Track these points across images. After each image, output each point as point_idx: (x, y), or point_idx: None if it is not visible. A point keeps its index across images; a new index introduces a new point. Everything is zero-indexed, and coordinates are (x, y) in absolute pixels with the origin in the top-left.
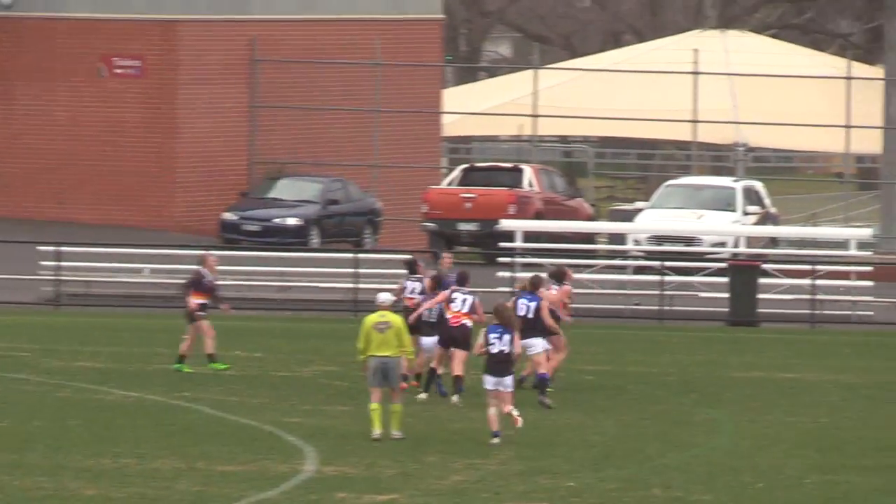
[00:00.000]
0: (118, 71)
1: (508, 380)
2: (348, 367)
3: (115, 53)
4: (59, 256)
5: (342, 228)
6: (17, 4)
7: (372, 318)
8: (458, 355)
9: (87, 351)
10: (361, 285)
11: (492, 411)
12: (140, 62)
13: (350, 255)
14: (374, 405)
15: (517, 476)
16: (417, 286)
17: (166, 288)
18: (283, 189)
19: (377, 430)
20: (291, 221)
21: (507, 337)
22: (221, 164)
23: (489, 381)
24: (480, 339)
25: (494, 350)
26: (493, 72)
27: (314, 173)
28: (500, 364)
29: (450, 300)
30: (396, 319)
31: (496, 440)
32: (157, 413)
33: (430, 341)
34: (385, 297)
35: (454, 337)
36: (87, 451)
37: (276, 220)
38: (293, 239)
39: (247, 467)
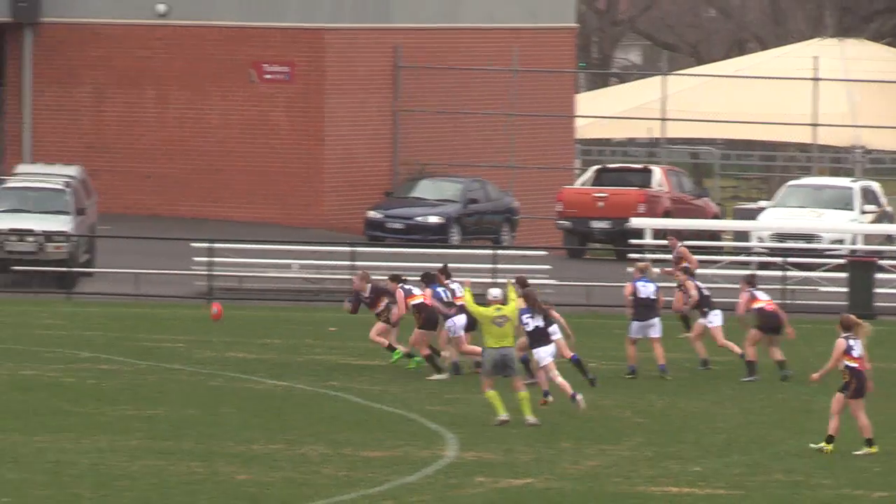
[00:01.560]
0: (268, 77)
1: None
2: None
3: (265, 60)
4: (211, 252)
5: (481, 226)
6: (171, 13)
7: (489, 312)
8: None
9: (238, 342)
10: (500, 280)
11: (559, 379)
12: (289, 68)
13: (489, 252)
14: (492, 392)
15: (647, 461)
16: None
17: (314, 283)
18: (426, 189)
19: (504, 414)
20: (433, 219)
21: (538, 316)
22: (366, 165)
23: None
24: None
25: (530, 328)
26: (623, 78)
27: (455, 174)
28: (540, 339)
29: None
30: (512, 312)
31: (579, 398)
32: (305, 401)
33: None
34: (498, 292)
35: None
36: (238, 437)
37: (419, 218)
38: (435, 236)
39: (390, 453)
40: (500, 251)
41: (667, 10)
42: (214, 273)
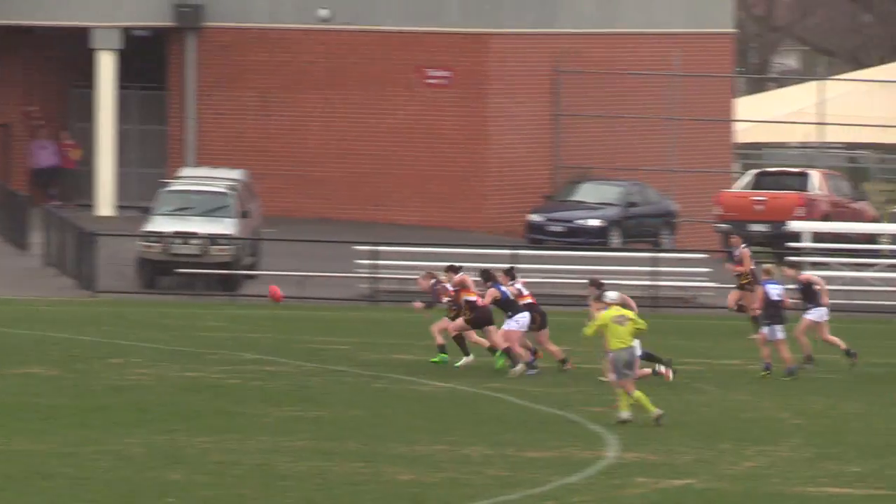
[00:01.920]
0: (430, 81)
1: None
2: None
3: (428, 64)
4: (375, 255)
5: (641, 229)
6: (334, 18)
7: (610, 314)
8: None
9: (402, 344)
10: (660, 283)
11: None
12: (451, 73)
13: (648, 255)
14: (638, 393)
15: (805, 462)
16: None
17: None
18: (586, 192)
19: (627, 413)
20: (594, 222)
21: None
22: (527, 168)
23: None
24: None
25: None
26: (781, 83)
27: (614, 177)
28: None
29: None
30: (631, 313)
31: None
32: (468, 403)
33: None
34: (615, 295)
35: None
36: (402, 438)
37: (579, 222)
38: (595, 239)
39: (552, 454)
40: (659, 254)
41: (824, 16)
42: (378, 276)
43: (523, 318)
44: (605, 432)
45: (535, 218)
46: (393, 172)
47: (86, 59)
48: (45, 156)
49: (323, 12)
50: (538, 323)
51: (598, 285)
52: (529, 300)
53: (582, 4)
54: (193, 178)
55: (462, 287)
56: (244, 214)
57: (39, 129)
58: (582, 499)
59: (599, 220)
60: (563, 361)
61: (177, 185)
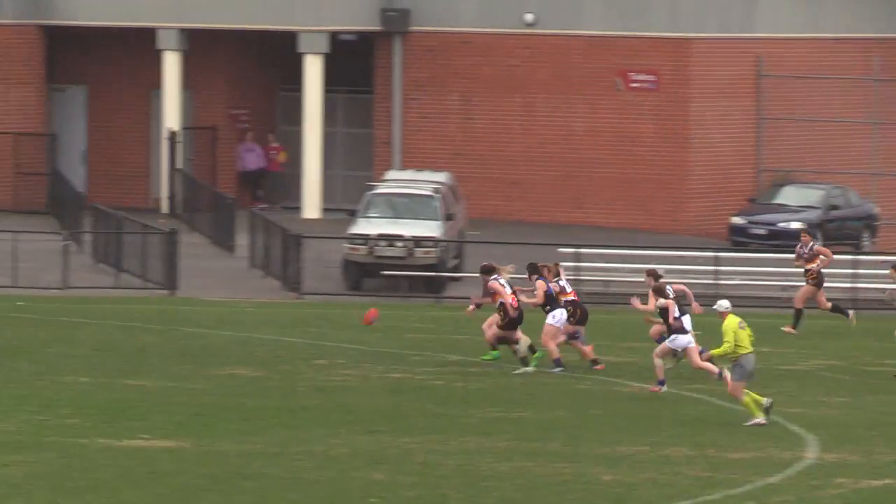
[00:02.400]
0: (634, 85)
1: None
2: (851, 361)
3: (631, 68)
4: (578, 258)
5: (842, 232)
6: (538, 22)
7: (735, 320)
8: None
9: (605, 346)
10: (860, 285)
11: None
12: (655, 77)
13: (849, 258)
14: (756, 395)
15: None
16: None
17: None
18: (788, 195)
19: (761, 417)
20: (795, 225)
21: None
22: (730, 171)
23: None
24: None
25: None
26: None
27: (816, 181)
28: (682, 328)
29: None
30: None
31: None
32: (669, 404)
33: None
34: (727, 304)
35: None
36: (604, 439)
37: (781, 224)
38: (797, 242)
39: (752, 455)
40: (860, 257)
41: None
42: (580, 278)
43: (561, 315)
44: (804, 433)
45: (737, 221)
46: (594, 175)
47: (293, 63)
48: (251, 158)
49: (528, 16)
50: (577, 318)
51: (655, 276)
52: (572, 297)
53: (784, 9)
54: (399, 180)
55: (495, 292)
56: (449, 217)
57: (246, 131)
58: (782, 499)
59: (801, 223)
60: (595, 362)
61: (382, 188)
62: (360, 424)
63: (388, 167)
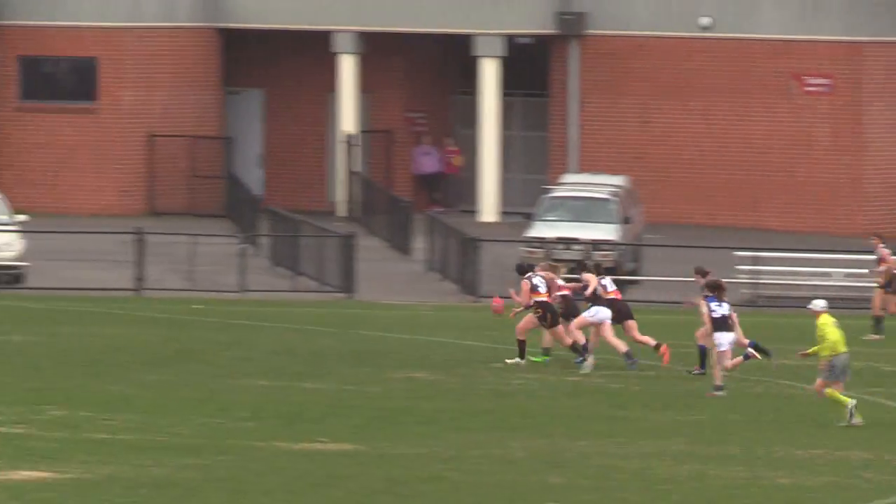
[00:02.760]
0: (809, 89)
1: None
2: None
3: (806, 72)
4: (756, 261)
5: None
6: (715, 26)
7: (829, 319)
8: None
9: (781, 349)
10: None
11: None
12: (829, 80)
13: None
14: (846, 398)
15: None
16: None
17: (855, 291)
18: None
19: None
20: None
21: (725, 304)
22: None
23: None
24: (704, 310)
25: (717, 315)
26: None
27: None
28: (723, 326)
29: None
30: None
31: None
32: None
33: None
34: (824, 303)
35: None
36: (780, 442)
37: None
38: None
39: None
40: None
41: None
42: (759, 281)
43: (598, 312)
44: None
45: None
46: (770, 179)
47: (469, 66)
48: (428, 162)
49: (704, 20)
50: (622, 315)
51: (703, 273)
52: (613, 295)
53: None
54: (575, 184)
55: (533, 290)
56: (626, 220)
57: (422, 135)
58: None
59: None
60: (628, 355)
61: (559, 192)
62: (538, 428)
63: (565, 170)
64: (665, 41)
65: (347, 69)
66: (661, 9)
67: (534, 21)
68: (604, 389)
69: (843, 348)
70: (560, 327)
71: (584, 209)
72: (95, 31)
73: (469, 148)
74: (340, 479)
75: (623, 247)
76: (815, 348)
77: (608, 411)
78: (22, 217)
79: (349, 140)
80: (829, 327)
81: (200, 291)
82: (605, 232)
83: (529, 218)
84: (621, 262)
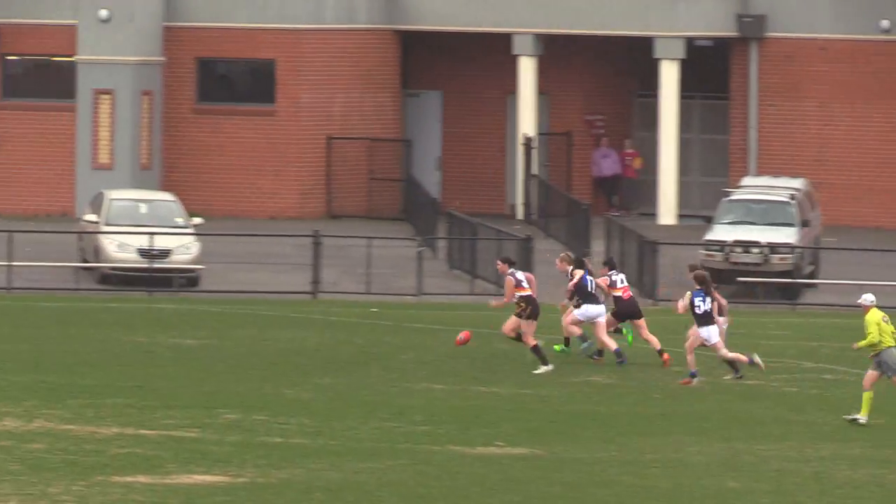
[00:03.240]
0: None
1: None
2: None
3: None
4: None
5: None
6: (894, 29)
7: (878, 314)
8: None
9: None
10: None
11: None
12: None
13: None
14: (871, 393)
15: None
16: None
17: None
18: None
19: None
20: None
21: (708, 299)
22: None
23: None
24: (683, 302)
25: (700, 311)
26: None
27: None
28: (708, 320)
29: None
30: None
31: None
32: None
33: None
34: (873, 297)
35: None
36: None
37: None
38: None
39: None
40: None
41: None
42: None
43: (588, 310)
44: None
45: None
46: None
47: (648, 68)
48: (607, 164)
49: (884, 23)
50: (630, 313)
51: (693, 268)
52: (620, 293)
53: None
54: (755, 187)
55: (517, 285)
56: (804, 223)
57: (601, 137)
58: None
59: None
60: (600, 353)
61: (738, 195)
62: (715, 432)
63: (744, 173)
64: (845, 43)
65: (527, 71)
66: (841, 11)
67: (713, 23)
68: (781, 393)
69: (890, 343)
70: (531, 324)
71: (763, 212)
72: (274, 32)
73: (648, 150)
74: (516, 483)
75: (801, 250)
76: (863, 342)
77: (785, 414)
78: (197, 220)
79: (528, 142)
80: (876, 322)
81: (376, 295)
82: (784, 235)
83: (708, 221)
84: (800, 265)
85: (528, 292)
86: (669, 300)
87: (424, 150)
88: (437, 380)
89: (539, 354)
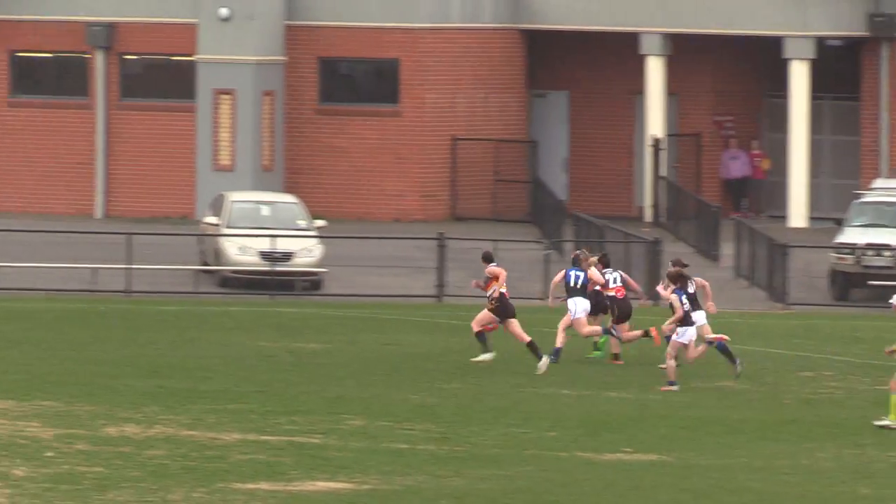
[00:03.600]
0: None
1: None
2: None
3: None
4: None
5: None
6: None
7: None
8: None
9: None
10: None
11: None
12: None
13: None
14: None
15: None
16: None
17: None
18: None
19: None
20: None
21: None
22: None
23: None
24: (677, 303)
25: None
26: None
27: None
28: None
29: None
30: None
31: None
32: None
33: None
34: None
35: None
36: None
37: None
38: None
39: None
40: None
41: None
42: None
43: (575, 305)
44: None
45: None
46: None
47: (778, 69)
48: (736, 166)
49: None
50: (623, 313)
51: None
52: (613, 293)
53: None
54: (886, 189)
55: (493, 277)
56: None
57: (730, 138)
58: None
59: None
60: (616, 356)
61: (870, 197)
62: (847, 438)
63: (876, 175)
64: None
65: (654, 71)
66: None
67: (844, 23)
68: None
69: None
70: (508, 323)
71: (895, 215)
72: (397, 31)
73: (778, 152)
74: (644, 490)
75: None
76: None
77: None
78: (320, 222)
79: (656, 144)
80: None
81: None
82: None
83: (839, 224)
84: None
85: (504, 290)
86: (800, 304)
87: (550, 151)
88: (564, 385)
89: (481, 339)
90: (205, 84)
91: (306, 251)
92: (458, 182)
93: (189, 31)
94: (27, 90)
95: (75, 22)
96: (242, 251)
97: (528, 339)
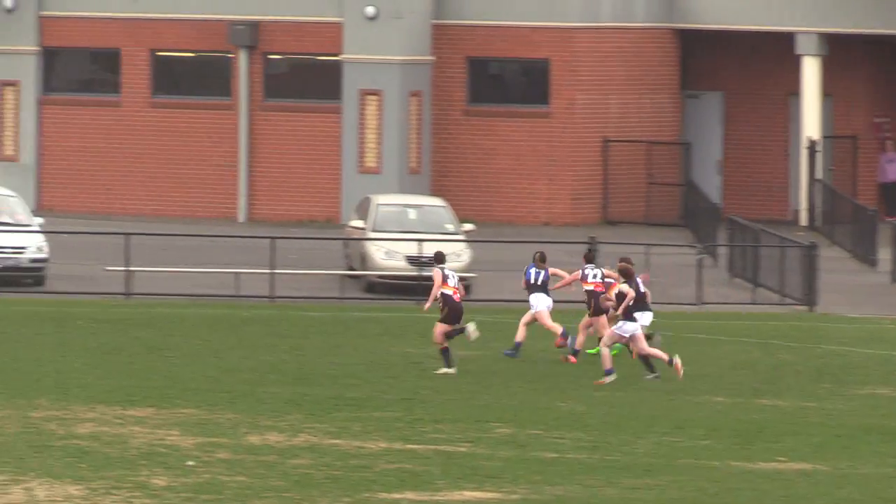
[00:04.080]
0: None
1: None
2: None
3: None
4: None
5: None
6: None
7: None
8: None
9: None
10: None
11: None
12: None
13: None
14: None
15: None
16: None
17: None
18: None
19: None
20: None
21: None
22: None
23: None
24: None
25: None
26: None
27: None
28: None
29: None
30: None
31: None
32: None
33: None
34: None
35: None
36: None
37: None
38: None
39: None
40: None
41: None
42: None
43: (532, 301)
44: None
45: None
46: None
47: None
48: (892, 169)
49: None
50: (592, 309)
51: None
52: (592, 287)
53: None
54: None
55: (444, 280)
56: None
57: (886, 141)
58: None
59: None
60: (576, 353)
61: None
62: None
63: None
64: None
65: (810, 72)
66: None
67: None
68: None
69: None
70: (443, 327)
71: None
72: (547, 31)
73: None
74: (798, 499)
75: None
76: None
77: None
78: (468, 226)
79: (812, 146)
80: None
81: (654, 303)
82: None
83: None
84: None
85: (450, 290)
86: None
87: (704, 153)
88: (717, 392)
89: (446, 356)
90: (350, 84)
91: (454, 256)
92: (609, 185)
93: (334, 30)
94: (168, 90)
95: (217, 21)
96: (389, 256)
97: (445, 345)
